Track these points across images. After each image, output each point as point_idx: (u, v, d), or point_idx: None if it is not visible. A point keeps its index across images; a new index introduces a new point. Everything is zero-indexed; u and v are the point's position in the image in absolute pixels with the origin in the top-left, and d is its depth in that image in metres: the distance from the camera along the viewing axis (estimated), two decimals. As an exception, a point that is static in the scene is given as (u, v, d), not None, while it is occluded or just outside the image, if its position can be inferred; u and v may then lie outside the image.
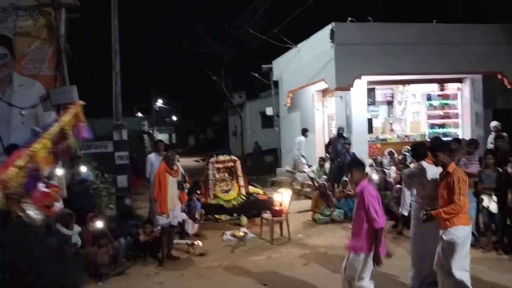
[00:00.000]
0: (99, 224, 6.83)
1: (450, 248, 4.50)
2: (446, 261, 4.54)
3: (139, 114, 36.43)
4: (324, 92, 14.30)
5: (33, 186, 3.27)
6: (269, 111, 19.46)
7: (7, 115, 8.50)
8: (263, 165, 19.79)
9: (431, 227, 4.80)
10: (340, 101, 12.46)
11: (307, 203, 10.30)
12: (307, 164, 13.17)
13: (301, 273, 6.18)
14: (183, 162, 11.04)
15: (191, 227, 8.40)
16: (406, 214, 5.99)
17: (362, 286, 4.52)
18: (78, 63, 11.24)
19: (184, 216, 7.97)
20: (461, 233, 4.47)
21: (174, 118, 54.75)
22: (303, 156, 13.27)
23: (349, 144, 11.15)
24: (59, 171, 7.22)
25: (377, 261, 4.39)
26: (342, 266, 4.68)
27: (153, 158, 8.86)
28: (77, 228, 6.83)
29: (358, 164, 4.68)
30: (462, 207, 4.45)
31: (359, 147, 11.43)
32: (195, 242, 7.64)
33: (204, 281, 6.14)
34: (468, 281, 4.58)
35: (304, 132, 13.55)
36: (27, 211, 3.16)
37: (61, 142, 3.33)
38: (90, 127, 3.84)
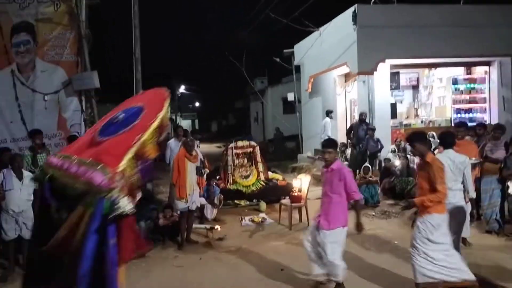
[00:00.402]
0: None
1: (422, 234, 4.48)
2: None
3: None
4: (346, 76, 14.07)
5: (146, 175, 3.19)
6: (291, 96, 19.27)
7: (30, 101, 8.69)
8: (285, 151, 19.71)
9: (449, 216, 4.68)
10: (362, 86, 12.24)
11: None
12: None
13: (319, 259, 6.13)
14: (205, 148, 11.06)
15: (210, 212, 8.45)
16: None
17: (336, 262, 4.66)
18: (99, 48, 11.34)
19: (203, 201, 8.01)
20: (435, 220, 4.42)
21: (197, 104, 54.92)
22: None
23: (373, 130, 10.97)
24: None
25: (360, 228, 4.84)
26: (307, 243, 4.93)
27: (173, 144, 8.92)
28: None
29: (334, 144, 5.05)
30: (445, 196, 4.41)
31: (382, 133, 11.26)
32: (214, 227, 7.68)
33: (222, 265, 6.17)
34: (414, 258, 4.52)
35: (328, 113, 13.37)
36: (126, 201, 3.04)
37: (160, 133, 3.18)
38: None
